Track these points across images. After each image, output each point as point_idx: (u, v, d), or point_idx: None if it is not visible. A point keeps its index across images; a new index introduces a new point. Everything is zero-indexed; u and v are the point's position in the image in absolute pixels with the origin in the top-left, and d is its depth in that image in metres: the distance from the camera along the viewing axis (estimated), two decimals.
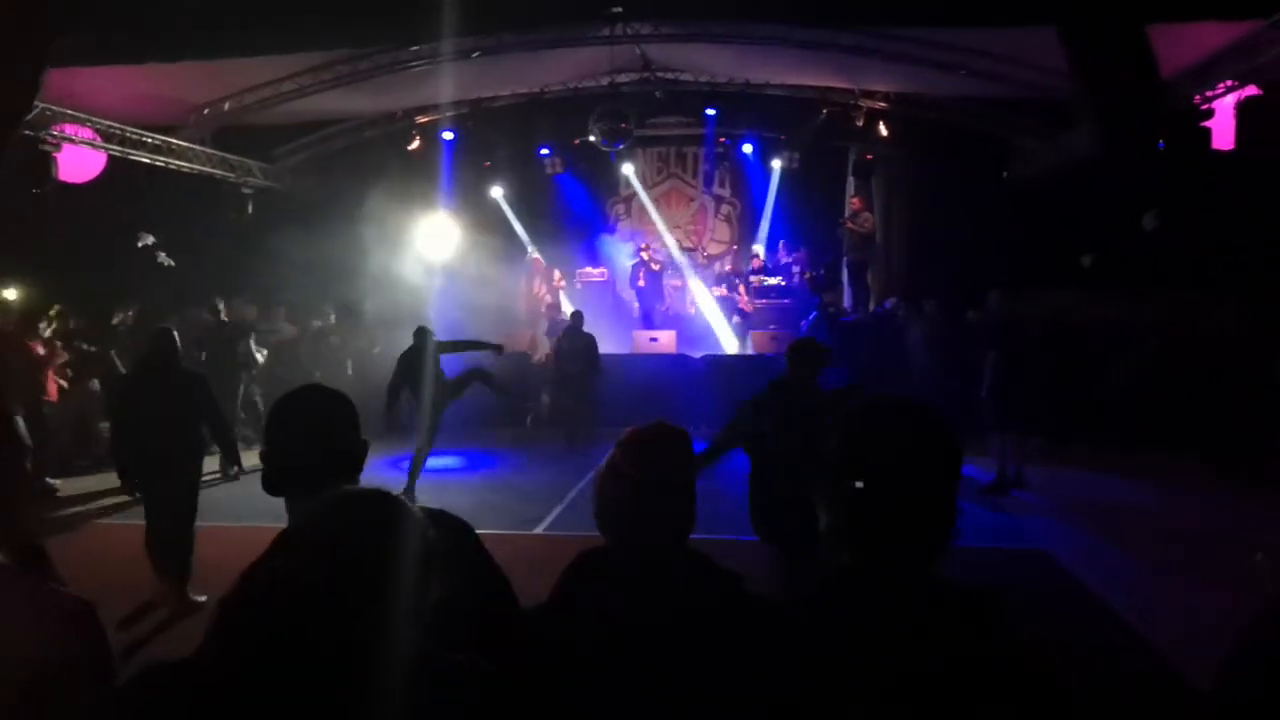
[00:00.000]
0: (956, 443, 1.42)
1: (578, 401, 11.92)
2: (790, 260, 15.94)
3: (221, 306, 11.10)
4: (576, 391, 11.94)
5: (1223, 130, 9.38)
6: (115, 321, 11.31)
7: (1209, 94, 9.39)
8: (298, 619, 1.16)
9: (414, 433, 8.80)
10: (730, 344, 15.10)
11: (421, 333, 8.83)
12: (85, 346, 10.34)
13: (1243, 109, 9.12)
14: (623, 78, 14.57)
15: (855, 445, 1.43)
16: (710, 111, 15.24)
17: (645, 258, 15.82)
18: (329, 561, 1.21)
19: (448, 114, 15.25)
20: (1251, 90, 9.00)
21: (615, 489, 1.71)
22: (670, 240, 17.04)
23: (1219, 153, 9.34)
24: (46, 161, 10.68)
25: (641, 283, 15.70)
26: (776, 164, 15.98)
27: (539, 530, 7.73)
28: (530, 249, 16.90)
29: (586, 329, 12.17)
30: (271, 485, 1.87)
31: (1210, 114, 9.44)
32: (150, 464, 5.85)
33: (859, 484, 1.38)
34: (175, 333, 6.26)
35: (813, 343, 5.02)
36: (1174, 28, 8.46)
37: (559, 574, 1.68)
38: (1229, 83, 9.09)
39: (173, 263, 13.25)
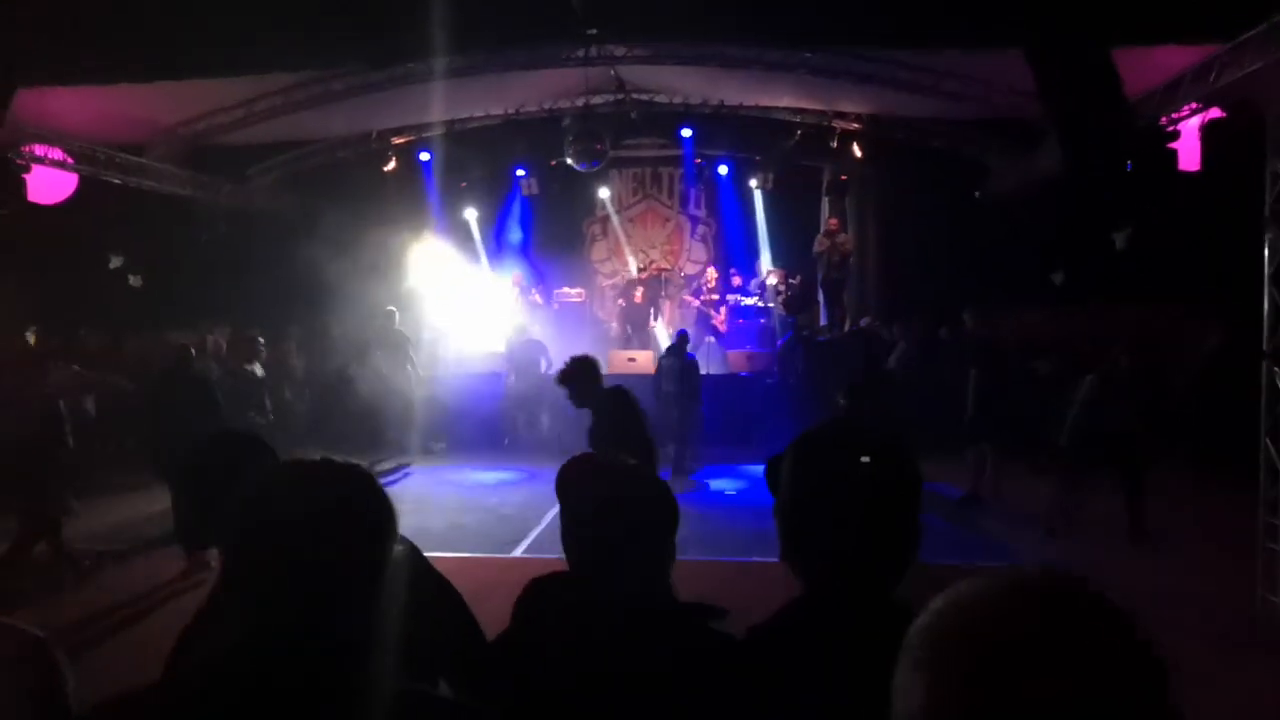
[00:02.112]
0: (913, 465, 1.41)
1: (679, 422, 11.45)
2: (769, 279, 15.98)
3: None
4: (676, 412, 11.52)
5: (1189, 152, 9.54)
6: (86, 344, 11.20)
7: (1174, 115, 9.55)
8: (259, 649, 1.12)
9: None
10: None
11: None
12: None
13: (1207, 131, 9.28)
14: (597, 99, 14.62)
15: (809, 471, 1.42)
16: (686, 132, 15.33)
17: (623, 278, 15.85)
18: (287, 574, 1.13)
19: (422, 135, 15.25)
20: (1215, 113, 9.16)
21: (572, 521, 1.71)
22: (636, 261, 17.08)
23: (1186, 174, 9.50)
24: (16, 182, 10.55)
25: (621, 303, 15.71)
26: (752, 184, 16.09)
27: (517, 553, 7.67)
28: (509, 269, 16.88)
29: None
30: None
31: (1176, 135, 9.59)
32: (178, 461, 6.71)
33: (863, 458, 1.37)
34: (191, 347, 8.00)
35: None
36: (1138, 51, 8.61)
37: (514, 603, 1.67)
38: (1193, 105, 9.25)
39: (140, 282, 13.12)
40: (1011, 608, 0.73)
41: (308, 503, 1.16)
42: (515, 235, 17.23)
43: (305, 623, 1.11)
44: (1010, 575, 0.77)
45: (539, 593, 1.68)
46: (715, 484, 10.76)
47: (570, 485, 1.74)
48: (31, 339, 10.68)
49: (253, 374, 10.40)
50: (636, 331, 15.53)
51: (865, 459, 1.38)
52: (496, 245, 17.13)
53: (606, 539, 1.65)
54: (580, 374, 5.59)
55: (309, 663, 1.11)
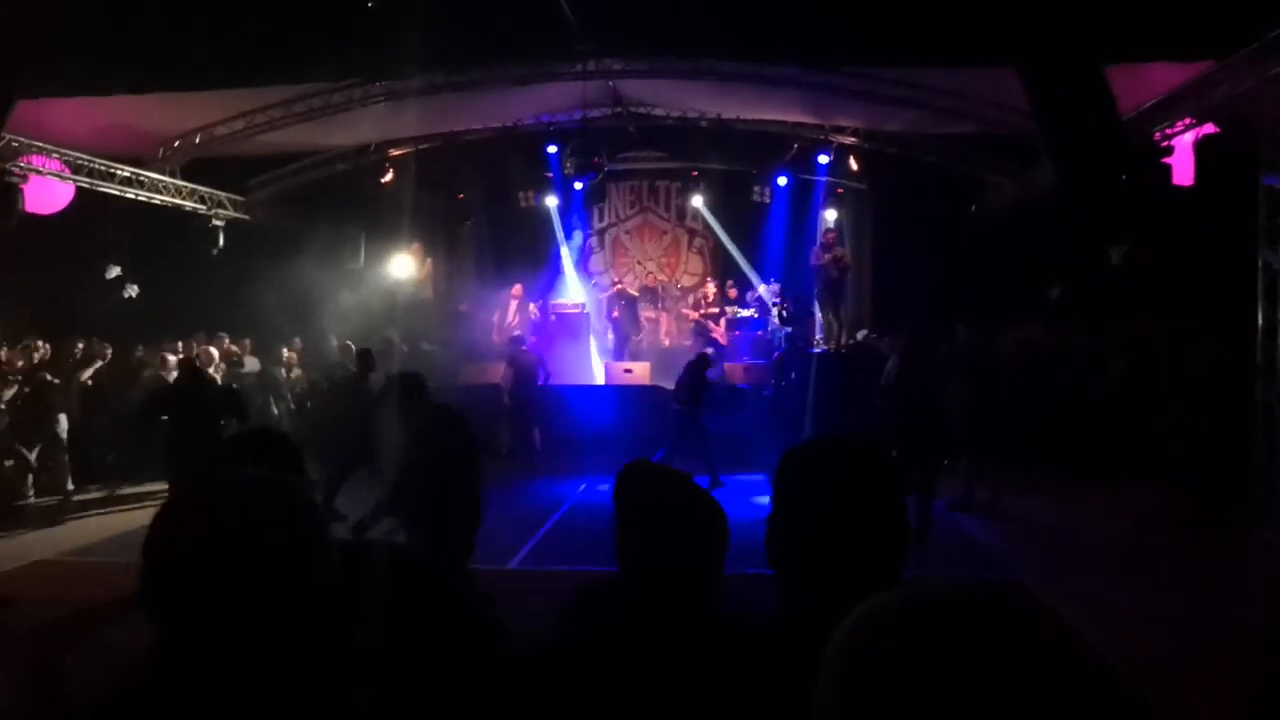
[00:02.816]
0: (898, 480, 1.43)
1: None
2: (770, 292, 16.01)
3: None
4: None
5: (1182, 167, 9.61)
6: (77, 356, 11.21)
7: (1168, 131, 9.63)
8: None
9: None
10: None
11: None
12: (49, 377, 10.25)
13: (1201, 147, 9.35)
14: (595, 112, 14.68)
15: (792, 485, 1.44)
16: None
17: (620, 290, 15.87)
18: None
19: (420, 147, 15.30)
20: (1209, 129, 9.24)
21: (638, 528, 1.72)
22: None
23: (1179, 189, 9.56)
24: (13, 193, 10.56)
25: (616, 314, 15.74)
26: (748, 197, 16.15)
27: (513, 564, 7.65)
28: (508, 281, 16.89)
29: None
30: None
31: (1170, 151, 9.66)
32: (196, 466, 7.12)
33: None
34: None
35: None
36: (1131, 68, 8.69)
37: (560, 608, 1.67)
38: (1187, 120, 9.33)
39: (135, 292, 13.08)
40: (905, 621, 0.75)
41: (216, 520, 1.16)
42: (512, 247, 17.23)
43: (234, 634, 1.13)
44: (913, 588, 0.79)
45: (588, 600, 1.67)
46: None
47: (628, 491, 1.76)
48: (35, 350, 10.68)
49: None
50: (627, 343, 15.55)
51: (853, 472, 1.41)
52: (494, 257, 17.14)
53: (664, 545, 1.67)
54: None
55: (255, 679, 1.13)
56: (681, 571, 1.66)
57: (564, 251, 17.00)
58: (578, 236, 17.70)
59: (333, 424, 9.15)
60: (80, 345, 11.39)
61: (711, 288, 16.19)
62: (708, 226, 17.48)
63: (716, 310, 15.86)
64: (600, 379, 14.44)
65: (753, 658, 1.45)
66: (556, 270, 17.27)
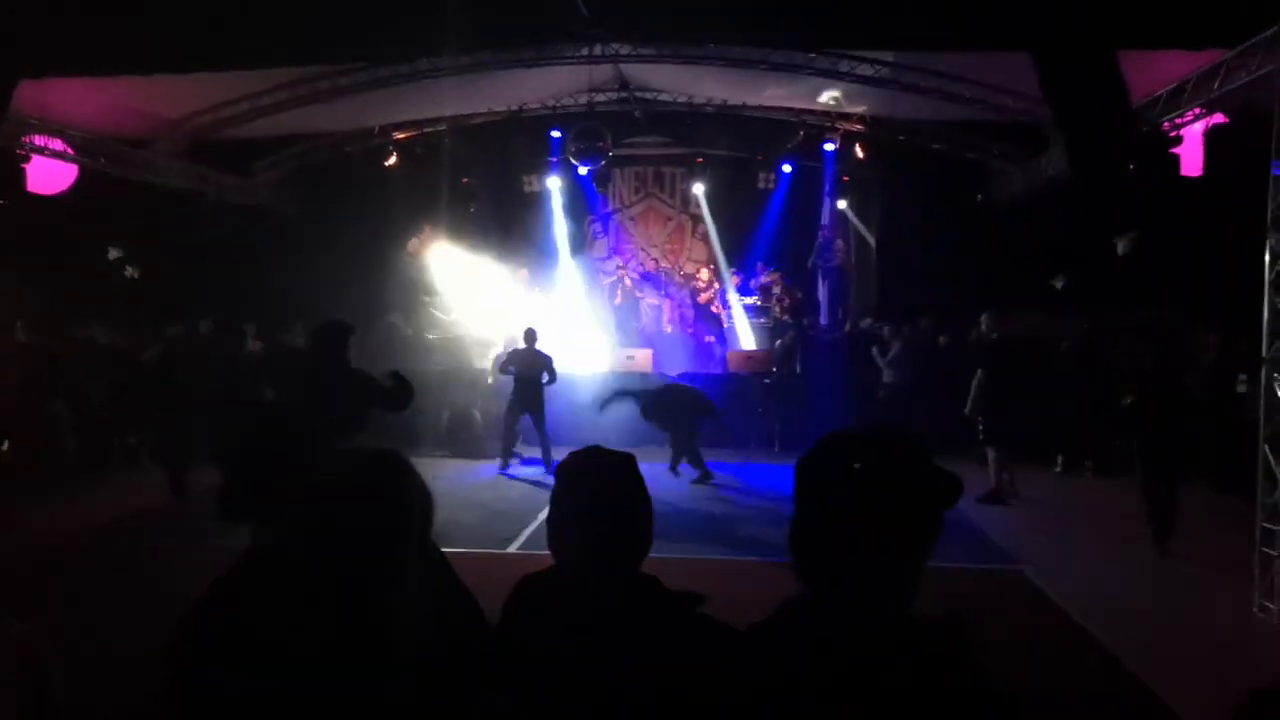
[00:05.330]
0: (929, 474, 1.38)
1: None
2: (769, 281, 15.96)
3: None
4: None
5: (1191, 156, 9.54)
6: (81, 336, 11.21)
7: (1178, 120, 9.55)
8: None
9: None
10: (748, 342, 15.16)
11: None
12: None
13: (1210, 136, 9.28)
14: (601, 97, 14.61)
15: (816, 478, 1.41)
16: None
17: (622, 276, 15.82)
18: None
19: (425, 130, 15.25)
20: (1219, 118, 9.16)
21: (554, 516, 1.71)
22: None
23: (1188, 178, 9.50)
24: (16, 172, 10.55)
25: (618, 301, 15.70)
26: (754, 184, 16.07)
27: (513, 549, 7.65)
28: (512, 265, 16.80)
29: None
30: (230, 512, 1.84)
31: (1179, 140, 9.59)
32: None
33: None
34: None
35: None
36: (1143, 55, 8.61)
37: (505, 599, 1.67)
38: (1197, 110, 9.26)
39: (137, 273, 13.07)
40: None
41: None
42: (517, 232, 17.15)
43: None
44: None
45: (527, 588, 1.68)
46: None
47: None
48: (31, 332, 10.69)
49: None
50: (623, 329, 15.50)
51: (880, 466, 1.39)
52: (498, 242, 17.06)
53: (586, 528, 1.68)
54: None
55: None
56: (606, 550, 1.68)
57: (559, 236, 16.87)
58: (582, 222, 17.63)
59: None
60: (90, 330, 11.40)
61: (705, 273, 16.08)
62: (712, 213, 17.38)
63: (711, 295, 15.82)
64: (603, 365, 14.38)
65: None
66: (559, 255, 17.19)
